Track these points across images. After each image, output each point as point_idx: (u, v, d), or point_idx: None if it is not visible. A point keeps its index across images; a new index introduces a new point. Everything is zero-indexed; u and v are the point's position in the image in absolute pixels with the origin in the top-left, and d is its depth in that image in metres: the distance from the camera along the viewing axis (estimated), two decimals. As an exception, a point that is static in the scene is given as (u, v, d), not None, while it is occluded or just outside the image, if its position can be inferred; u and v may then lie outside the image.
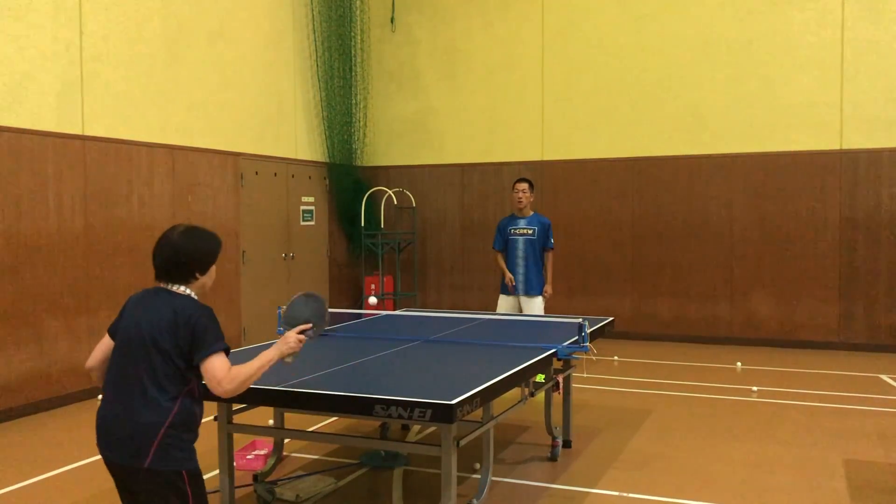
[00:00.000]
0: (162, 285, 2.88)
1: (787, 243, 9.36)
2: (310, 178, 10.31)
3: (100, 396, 2.85)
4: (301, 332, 3.09)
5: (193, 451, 2.77)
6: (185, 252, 2.84)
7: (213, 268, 2.95)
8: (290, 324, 3.17)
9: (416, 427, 5.71)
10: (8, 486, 4.72)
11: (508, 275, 7.13)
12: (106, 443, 2.74)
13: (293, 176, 9.95)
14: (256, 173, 9.25)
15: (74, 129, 6.90)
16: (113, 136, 7.27)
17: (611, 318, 5.78)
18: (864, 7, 8.96)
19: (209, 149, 8.43)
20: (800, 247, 9.31)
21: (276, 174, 9.62)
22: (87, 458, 5.21)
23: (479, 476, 4.46)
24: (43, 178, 6.60)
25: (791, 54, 9.27)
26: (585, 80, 10.21)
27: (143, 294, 2.90)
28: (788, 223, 9.35)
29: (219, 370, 2.72)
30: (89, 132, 7.04)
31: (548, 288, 7.19)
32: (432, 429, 5.62)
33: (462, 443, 3.62)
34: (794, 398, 6.82)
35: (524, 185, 7.20)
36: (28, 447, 5.60)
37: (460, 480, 4.43)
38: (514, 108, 10.61)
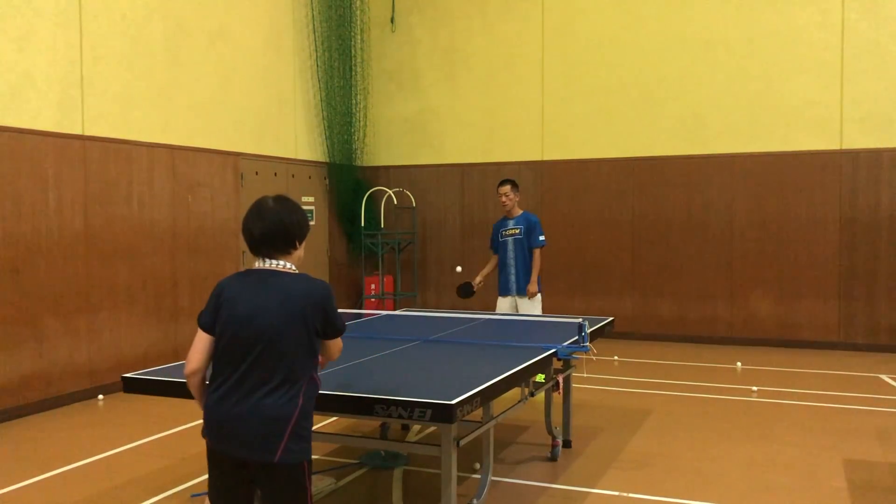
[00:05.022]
0: (260, 265, 2.73)
1: (787, 243, 9.36)
2: (310, 177, 10.31)
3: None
4: None
5: (311, 440, 2.68)
6: (290, 221, 2.75)
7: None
8: None
9: (416, 427, 5.72)
10: (9, 485, 4.72)
11: (478, 278, 7.28)
12: (230, 443, 2.60)
13: (293, 176, 9.95)
14: (256, 173, 9.25)
15: (74, 129, 6.90)
16: (113, 136, 7.27)
17: (611, 318, 5.79)
18: (864, 7, 8.96)
19: (209, 149, 8.43)
20: (800, 247, 9.31)
21: (276, 174, 9.62)
22: (87, 458, 5.21)
23: (479, 476, 4.46)
24: (43, 178, 6.60)
25: (791, 54, 9.27)
26: (585, 80, 10.21)
27: (243, 280, 2.71)
28: (788, 223, 9.35)
29: (341, 342, 2.90)
30: (89, 132, 7.04)
31: (530, 287, 6.99)
32: (432, 429, 5.62)
33: (462, 443, 3.61)
34: (794, 398, 6.82)
35: (505, 189, 7.16)
36: (28, 447, 5.60)
37: (460, 480, 4.43)
38: (514, 108, 10.61)
